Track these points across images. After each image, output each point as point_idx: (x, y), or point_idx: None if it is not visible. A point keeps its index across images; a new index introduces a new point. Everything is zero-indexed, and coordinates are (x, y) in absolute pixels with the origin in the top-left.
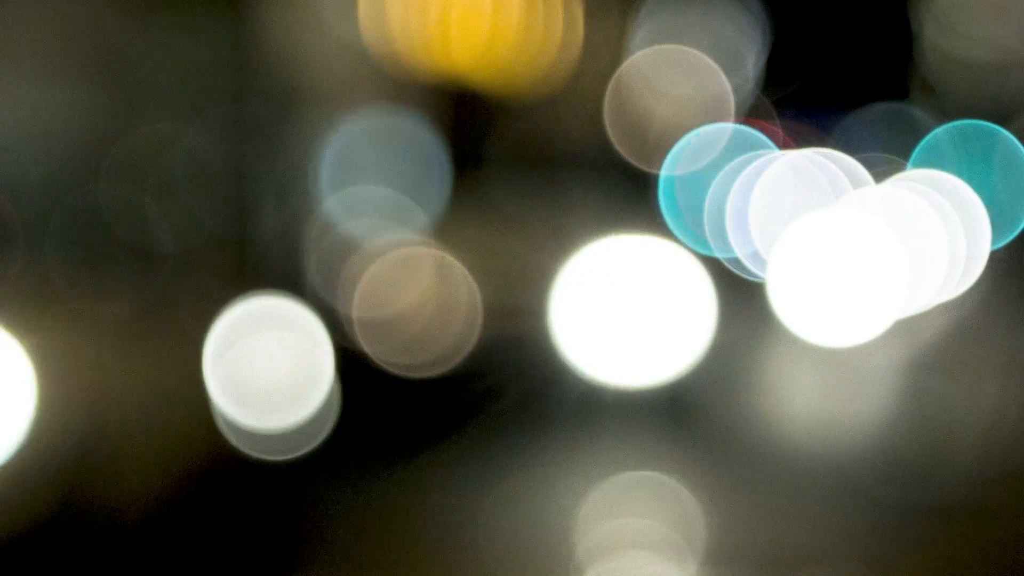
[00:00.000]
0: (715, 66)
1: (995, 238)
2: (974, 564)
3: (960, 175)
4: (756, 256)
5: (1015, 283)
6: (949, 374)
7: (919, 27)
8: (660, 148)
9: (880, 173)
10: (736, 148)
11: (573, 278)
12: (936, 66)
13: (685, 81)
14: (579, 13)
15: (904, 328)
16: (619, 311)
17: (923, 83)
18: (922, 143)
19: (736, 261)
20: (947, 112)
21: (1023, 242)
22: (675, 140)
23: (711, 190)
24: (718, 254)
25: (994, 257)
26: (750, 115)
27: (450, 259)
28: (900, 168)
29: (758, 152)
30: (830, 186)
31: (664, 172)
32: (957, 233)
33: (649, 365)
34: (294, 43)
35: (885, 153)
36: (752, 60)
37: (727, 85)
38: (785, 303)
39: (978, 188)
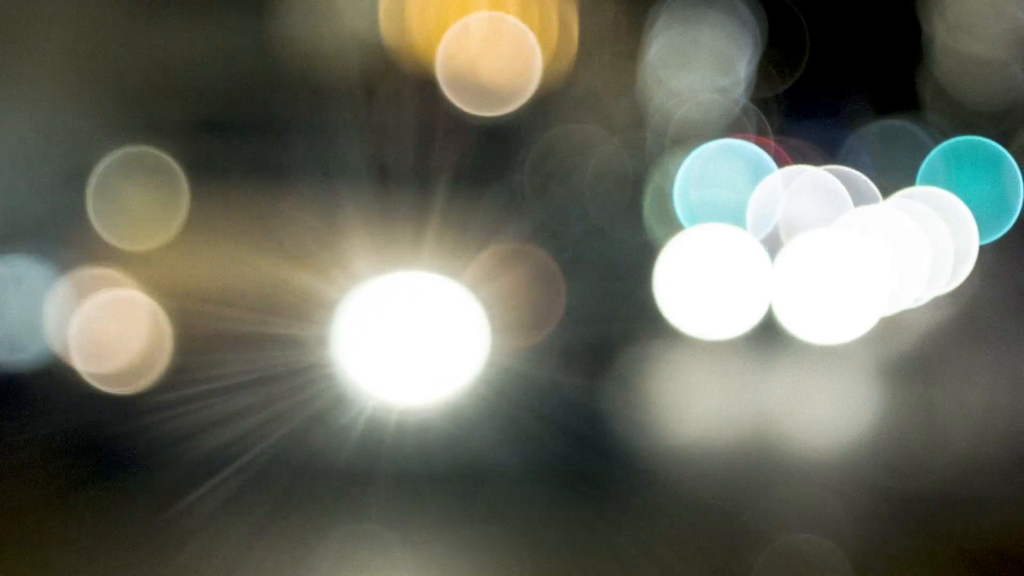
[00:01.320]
0: (528, 34)
1: (985, 235)
2: (963, 552)
3: (958, 187)
4: (768, 240)
5: (1004, 284)
6: (942, 365)
7: (931, 30)
8: (494, 97)
9: (885, 190)
10: (739, 163)
11: (355, 308)
12: (949, 69)
13: (499, 47)
14: (574, 13)
15: (896, 324)
16: (398, 338)
17: (936, 88)
18: (926, 160)
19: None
20: (957, 121)
21: (1010, 247)
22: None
23: (724, 194)
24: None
25: (982, 259)
26: (740, 130)
27: (133, 285)
28: (906, 184)
29: (768, 167)
30: (834, 203)
31: (678, 180)
32: (945, 246)
33: (428, 386)
34: (314, 38)
35: (891, 170)
36: (744, 64)
37: (537, 52)
38: (784, 309)
39: (973, 195)
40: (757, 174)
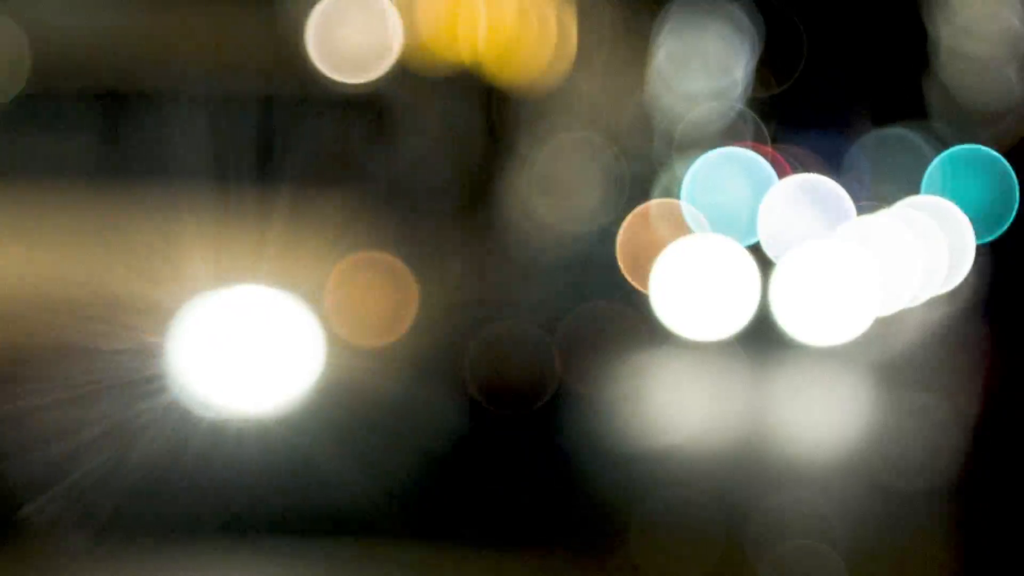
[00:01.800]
0: (387, 9)
1: (982, 235)
2: (961, 548)
3: (958, 195)
4: (773, 241)
5: (998, 284)
6: (938, 362)
7: (936, 34)
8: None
9: (887, 198)
10: (742, 171)
11: (193, 318)
12: (954, 73)
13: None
14: (571, 12)
15: (893, 323)
16: (235, 348)
17: (942, 92)
18: (928, 170)
19: (756, 246)
20: (960, 125)
21: (1006, 248)
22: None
23: (726, 203)
24: (742, 242)
25: (979, 259)
26: (741, 138)
27: None
28: (909, 192)
29: (769, 176)
30: (835, 211)
31: (686, 183)
32: (940, 253)
33: (265, 397)
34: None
35: (893, 178)
36: (744, 73)
37: (392, 24)
38: (783, 313)
39: (972, 202)
40: (759, 183)
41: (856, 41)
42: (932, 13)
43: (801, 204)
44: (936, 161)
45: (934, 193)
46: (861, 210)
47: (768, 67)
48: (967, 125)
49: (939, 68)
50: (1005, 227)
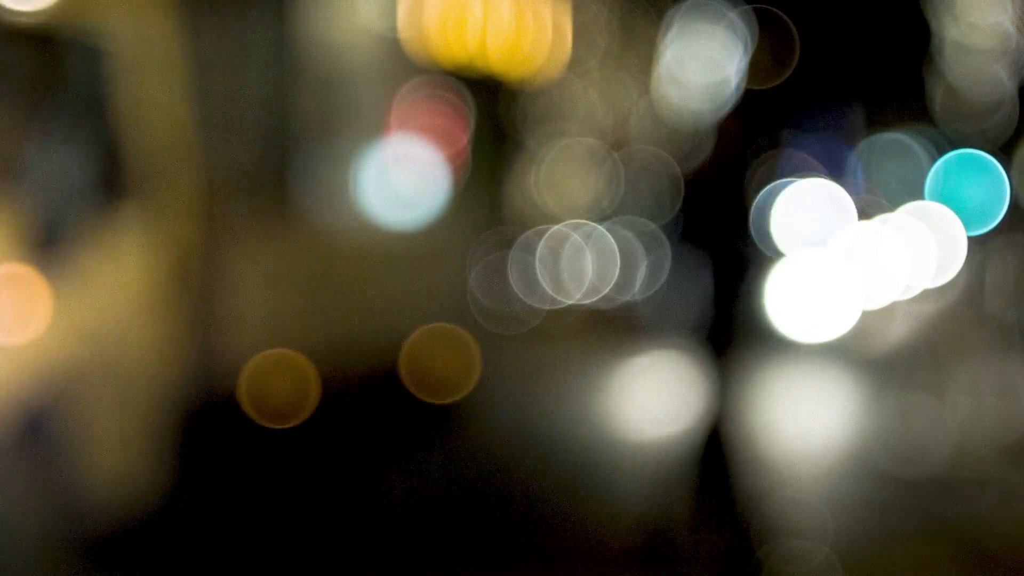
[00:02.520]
0: None
1: (974, 228)
2: (959, 535)
3: (955, 200)
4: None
5: (990, 278)
6: (931, 354)
7: (941, 28)
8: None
9: (885, 204)
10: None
11: None
12: (953, 70)
13: None
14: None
15: (886, 316)
16: None
17: (946, 89)
18: (929, 175)
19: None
20: (961, 124)
21: (994, 244)
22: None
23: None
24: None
25: (970, 254)
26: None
27: None
28: (912, 198)
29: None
30: (838, 215)
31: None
32: (931, 255)
33: None
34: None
35: (891, 184)
36: (742, 78)
37: None
38: (776, 312)
39: (968, 201)
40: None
41: (857, 43)
42: (933, 11)
43: (804, 208)
44: (937, 165)
45: (936, 196)
46: (862, 214)
47: (768, 70)
48: (964, 122)
49: (940, 67)
50: (995, 222)
